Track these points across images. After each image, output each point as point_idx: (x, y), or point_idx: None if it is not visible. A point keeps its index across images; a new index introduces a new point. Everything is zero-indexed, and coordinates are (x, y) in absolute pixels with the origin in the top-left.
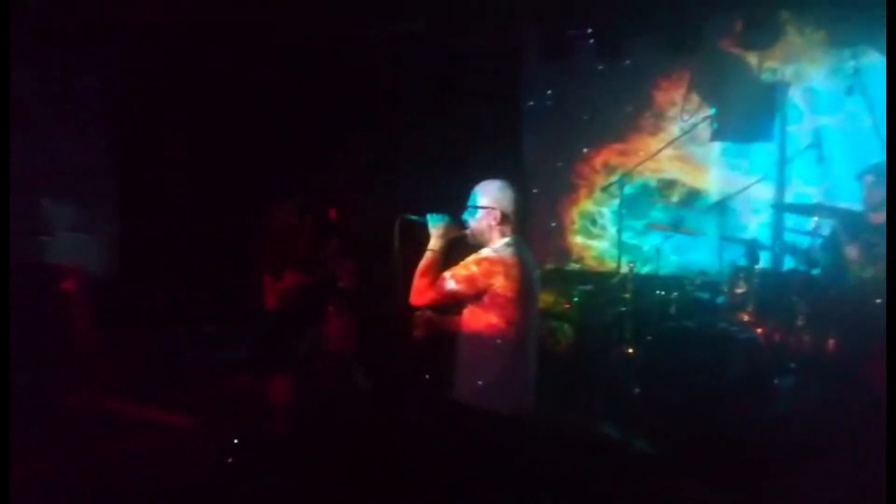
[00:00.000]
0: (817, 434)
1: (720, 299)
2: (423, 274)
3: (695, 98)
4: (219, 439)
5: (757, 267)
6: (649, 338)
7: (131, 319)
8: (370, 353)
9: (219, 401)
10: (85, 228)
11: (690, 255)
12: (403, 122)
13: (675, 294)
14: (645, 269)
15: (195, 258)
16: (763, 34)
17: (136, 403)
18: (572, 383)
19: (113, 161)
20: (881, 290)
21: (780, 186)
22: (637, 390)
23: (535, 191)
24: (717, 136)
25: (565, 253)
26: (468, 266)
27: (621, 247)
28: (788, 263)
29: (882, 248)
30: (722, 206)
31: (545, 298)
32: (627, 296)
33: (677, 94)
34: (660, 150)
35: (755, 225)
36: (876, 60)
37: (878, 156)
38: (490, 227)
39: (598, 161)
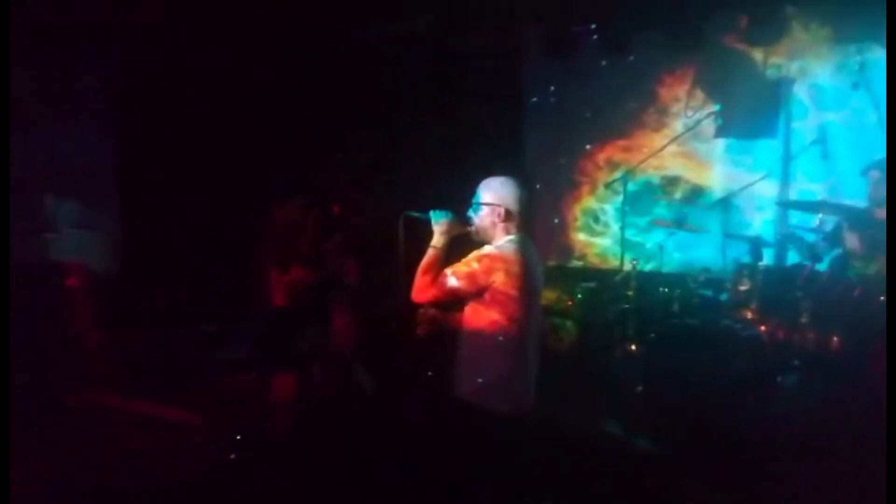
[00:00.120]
0: (821, 433)
1: (723, 296)
2: (426, 271)
3: (699, 94)
4: (221, 438)
5: (761, 264)
6: (652, 335)
7: (134, 317)
8: (373, 351)
9: (221, 399)
10: (88, 226)
11: (694, 252)
12: (405, 121)
13: (679, 291)
14: (648, 267)
15: (198, 257)
16: (768, 30)
17: (139, 402)
18: (575, 381)
19: (116, 159)
20: (885, 288)
21: (785, 183)
22: (640, 388)
23: (537, 187)
24: (721, 132)
25: (568, 250)
26: (469, 263)
27: (624, 244)
28: (793, 260)
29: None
30: (726, 203)
31: (548, 295)
32: (631, 293)
33: (681, 91)
34: (663, 147)
35: (759, 222)
36: (881, 56)
37: (884, 152)
38: (494, 224)
39: (601, 158)
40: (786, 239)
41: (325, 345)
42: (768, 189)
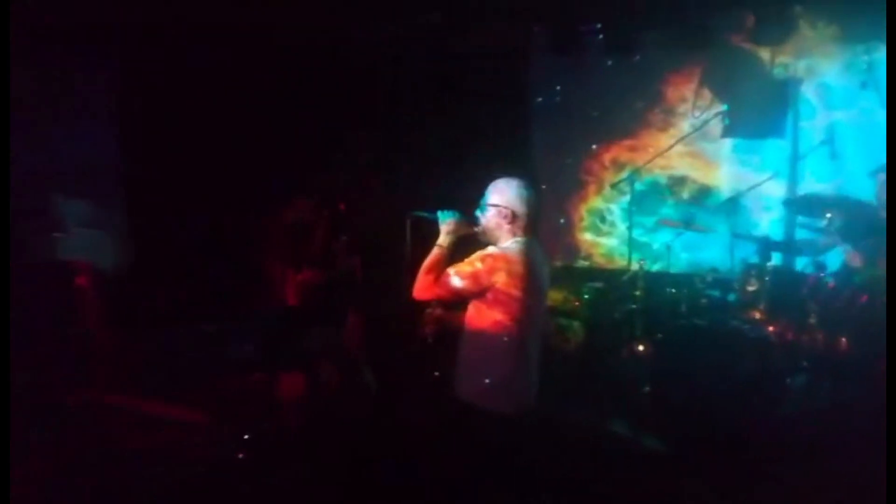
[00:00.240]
0: (829, 435)
1: (731, 297)
2: (429, 269)
3: (706, 94)
4: (228, 437)
5: (769, 264)
6: (660, 336)
7: (141, 316)
8: (379, 350)
9: (229, 399)
10: (97, 225)
11: (701, 252)
12: (409, 121)
13: (686, 292)
14: (655, 267)
15: (205, 256)
16: (775, 29)
17: (146, 401)
18: (582, 381)
19: (122, 159)
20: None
21: (793, 183)
22: (647, 388)
23: (543, 187)
24: (728, 132)
25: (574, 250)
26: (472, 262)
27: (631, 244)
28: (801, 261)
29: None
30: (733, 203)
31: (554, 296)
32: (638, 293)
33: (688, 90)
34: (670, 147)
35: (767, 222)
36: None
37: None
38: (499, 225)
39: (607, 158)
40: (794, 239)
41: (333, 344)
42: (776, 189)
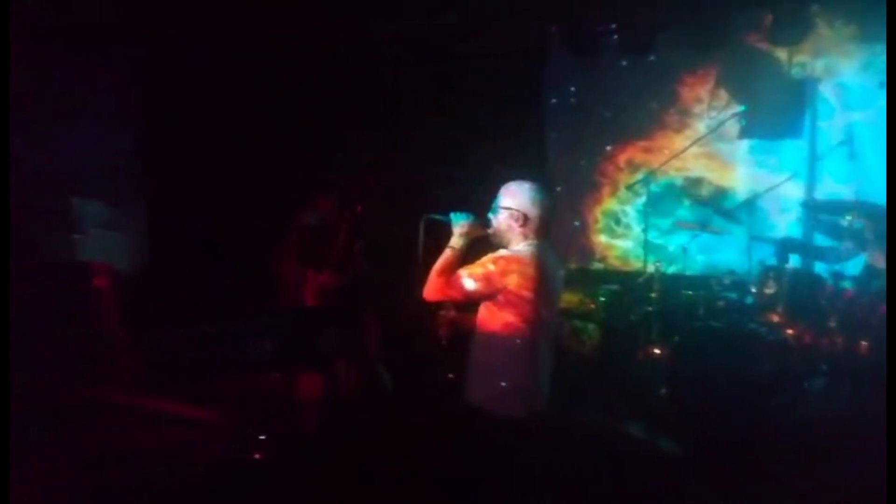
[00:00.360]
0: (848, 439)
1: (749, 299)
2: (441, 271)
3: (722, 94)
4: (245, 436)
5: (787, 266)
6: (676, 338)
7: (158, 316)
8: (395, 352)
9: (246, 397)
10: (115, 227)
11: (718, 254)
12: (424, 122)
13: (703, 294)
14: (671, 269)
15: (222, 256)
16: (792, 28)
17: (164, 399)
18: (597, 384)
19: (140, 160)
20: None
21: (811, 184)
22: (663, 391)
23: (557, 189)
24: (745, 133)
25: (589, 252)
26: (485, 264)
27: (647, 246)
28: (819, 263)
29: None
30: (751, 205)
31: (570, 298)
32: (654, 295)
33: (703, 91)
34: (686, 148)
35: (785, 224)
36: None
37: None
38: (511, 227)
39: (621, 159)
40: (812, 241)
41: (350, 345)
42: (794, 191)
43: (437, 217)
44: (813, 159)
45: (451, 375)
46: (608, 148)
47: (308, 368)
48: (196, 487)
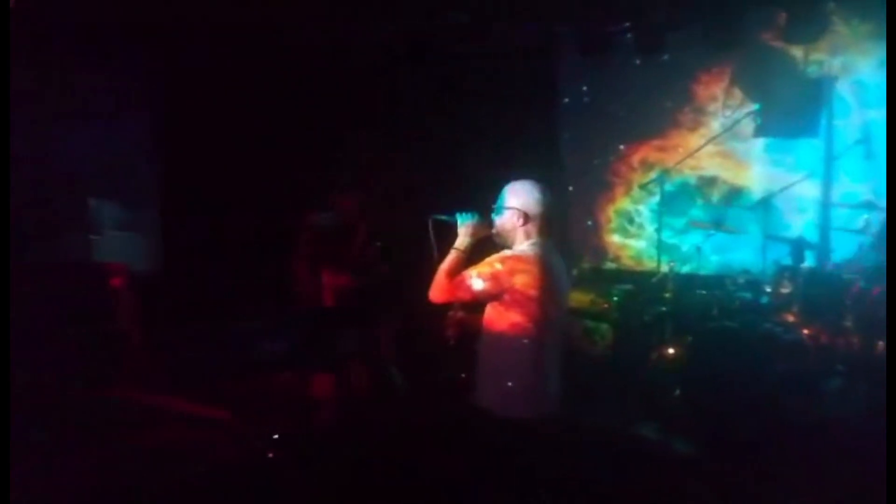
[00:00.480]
0: (864, 439)
1: (764, 299)
2: (448, 273)
3: (737, 93)
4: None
5: (803, 266)
6: (690, 338)
7: (174, 315)
8: (408, 353)
9: (260, 397)
10: (131, 227)
11: (732, 254)
12: (435, 122)
13: (717, 294)
14: (685, 269)
15: (238, 256)
16: (808, 26)
17: (178, 398)
18: (610, 385)
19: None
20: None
21: (827, 184)
22: (677, 392)
23: (570, 188)
24: (760, 131)
25: (602, 252)
26: (492, 264)
27: (660, 246)
28: (835, 262)
29: None
30: (766, 204)
31: (582, 298)
32: (667, 295)
33: (718, 89)
34: (701, 147)
35: (800, 224)
36: None
37: None
38: (514, 227)
39: (635, 158)
40: (828, 241)
41: (365, 346)
42: (809, 190)
43: (442, 217)
44: (829, 158)
45: (463, 375)
46: (621, 147)
47: (322, 369)
48: (209, 486)
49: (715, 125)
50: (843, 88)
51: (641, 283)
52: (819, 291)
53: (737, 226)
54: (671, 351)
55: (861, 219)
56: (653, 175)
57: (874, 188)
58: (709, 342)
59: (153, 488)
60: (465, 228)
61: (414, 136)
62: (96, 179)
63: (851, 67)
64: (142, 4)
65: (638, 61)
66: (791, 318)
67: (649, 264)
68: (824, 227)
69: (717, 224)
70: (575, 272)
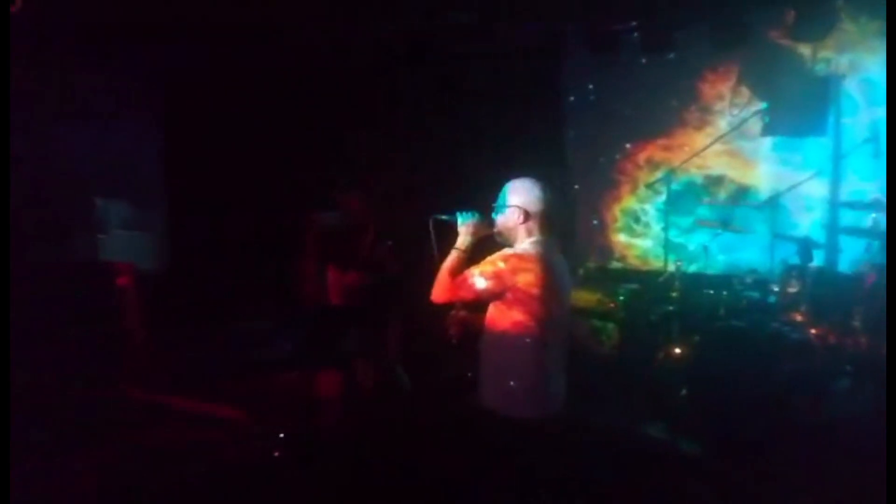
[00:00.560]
0: (872, 440)
1: (771, 299)
2: (450, 272)
3: (744, 91)
4: (265, 434)
5: (811, 265)
6: (697, 338)
7: (180, 315)
8: (410, 353)
9: (266, 396)
10: (138, 227)
11: (739, 253)
12: (440, 121)
13: (724, 293)
14: (692, 268)
15: (244, 256)
16: (816, 24)
17: (185, 397)
18: (617, 384)
19: (160, 161)
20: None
21: (835, 182)
22: (684, 392)
23: (576, 187)
24: (767, 130)
25: (607, 251)
26: (495, 262)
27: (667, 245)
28: (844, 262)
29: None
30: (773, 204)
31: (589, 297)
32: (674, 295)
33: (725, 88)
34: (708, 146)
35: (808, 223)
36: None
37: None
38: (515, 225)
39: (641, 157)
40: (836, 240)
41: (371, 345)
42: (817, 189)
43: (443, 217)
44: (837, 157)
45: (469, 374)
46: (627, 146)
47: (328, 368)
48: (215, 485)
49: (722, 124)
50: (850, 86)
51: (648, 283)
52: (827, 291)
53: (744, 225)
54: (678, 350)
55: (869, 217)
56: (659, 174)
57: (882, 187)
58: (716, 342)
59: (155, 488)
60: (465, 228)
61: (414, 136)
62: (101, 179)
63: (859, 65)
64: (142, 4)
65: (644, 60)
66: (799, 318)
67: (656, 263)
68: (832, 226)
69: (725, 223)
70: (581, 271)
